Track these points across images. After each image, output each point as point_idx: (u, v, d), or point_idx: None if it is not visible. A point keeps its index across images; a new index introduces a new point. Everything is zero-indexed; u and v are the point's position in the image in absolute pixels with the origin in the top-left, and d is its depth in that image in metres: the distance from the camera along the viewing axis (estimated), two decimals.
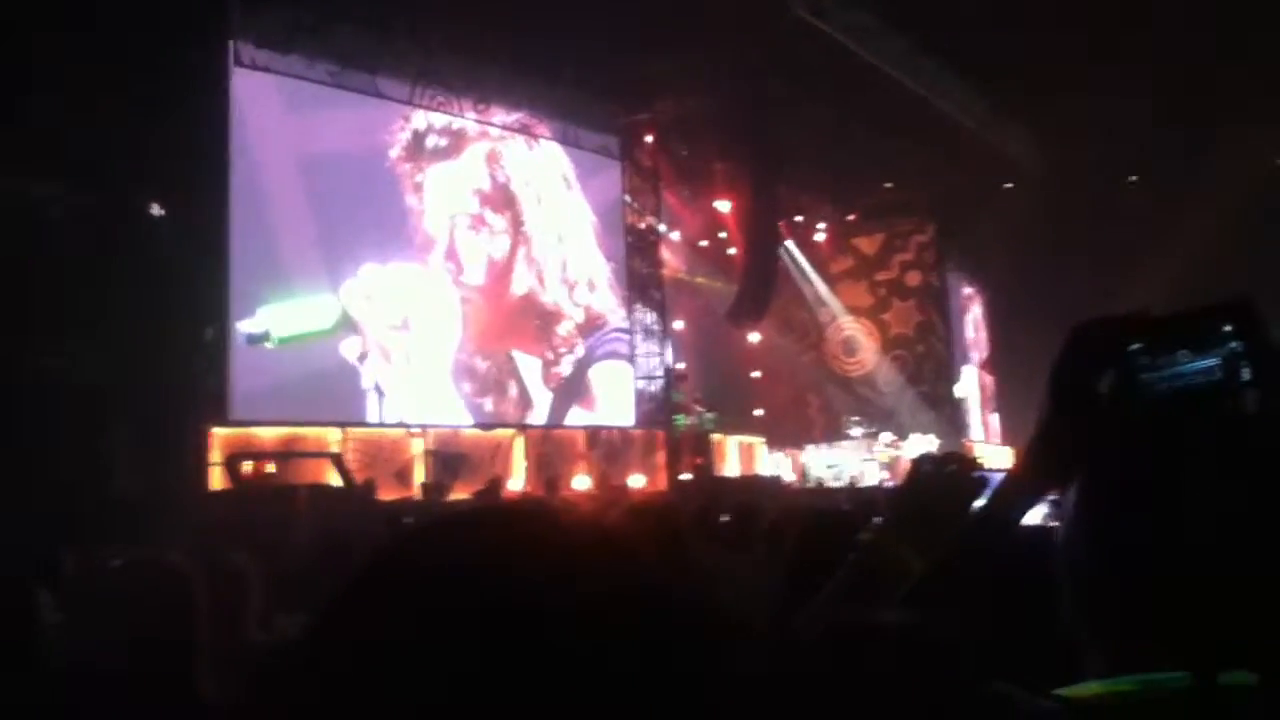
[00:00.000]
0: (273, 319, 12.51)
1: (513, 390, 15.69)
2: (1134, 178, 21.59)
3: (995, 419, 26.03)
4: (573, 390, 16.54)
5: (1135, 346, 1.09)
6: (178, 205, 11.41)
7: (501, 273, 15.84)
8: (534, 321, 16.24)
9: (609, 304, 17.63)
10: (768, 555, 4.09)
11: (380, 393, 13.67)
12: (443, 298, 14.86)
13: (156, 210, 11.34)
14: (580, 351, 16.88)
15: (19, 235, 9.73)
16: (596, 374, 17.08)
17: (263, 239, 12.58)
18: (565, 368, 16.56)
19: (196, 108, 11.45)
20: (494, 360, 15.53)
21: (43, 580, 3.06)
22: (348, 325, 13.50)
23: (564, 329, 16.72)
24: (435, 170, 15.08)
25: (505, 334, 15.80)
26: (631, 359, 17.55)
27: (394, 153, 14.57)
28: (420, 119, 14.97)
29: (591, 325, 17.20)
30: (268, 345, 12.41)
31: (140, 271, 10.31)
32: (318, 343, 13.17)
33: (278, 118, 13.00)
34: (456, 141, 15.48)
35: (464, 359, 15.05)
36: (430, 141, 15.10)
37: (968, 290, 25.75)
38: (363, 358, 13.64)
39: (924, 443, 20.17)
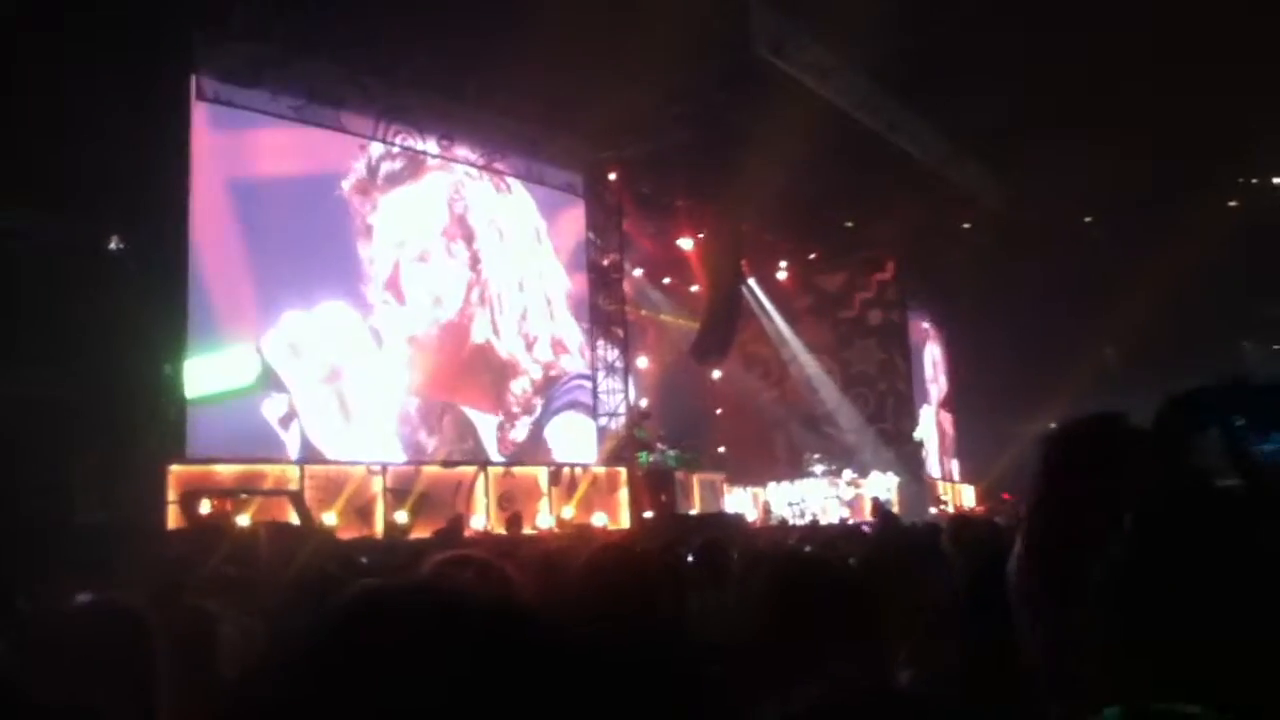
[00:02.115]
0: (185, 375, 11.70)
1: (467, 444, 15.18)
2: (1089, 218, 21.93)
3: (955, 456, 26.21)
4: (528, 454, 15.95)
5: (1239, 421, 1.07)
6: (137, 238, 11.30)
7: (452, 313, 15.21)
8: (486, 375, 15.58)
9: (576, 367, 17.25)
10: (737, 598, 4.05)
11: (304, 457, 12.87)
12: (380, 339, 14.08)
13: (116, 243, 11.23)
14: (537, 412, 16.32)
15: None
16: (554, 428, 16.53)
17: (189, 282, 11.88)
18: (520, 431, 15.94)
19: (156, 141, 11.37)
20: (444, 413, 14.87)
21: None
22: (270, 381, 12.71)
23: (519, 387, 16.08)
24: (388, 198, 14.53)
25: (456, 385, 15.09)
26: (594, 407, 17.26)
27: (346, 184, 14.04)
28: (378, 146, 14.51)
29: (551, 384, 16.69)
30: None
31: (99, 304, 10.18)
32: (235, 402, 12.30)
33: (216, 148, 12.47)
34: (414, 168, 15.00)
35: (411, 408, 14.41)
36: (385, 168, 14.53)
37: (928, 328, 25.99)
38: (286, 421, 12.78)
39: (885, 481, 20.27)
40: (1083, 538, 1.09)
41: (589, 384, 17.32)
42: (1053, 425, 1.24)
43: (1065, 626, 1.11)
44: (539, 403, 16.38)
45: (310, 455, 12.95)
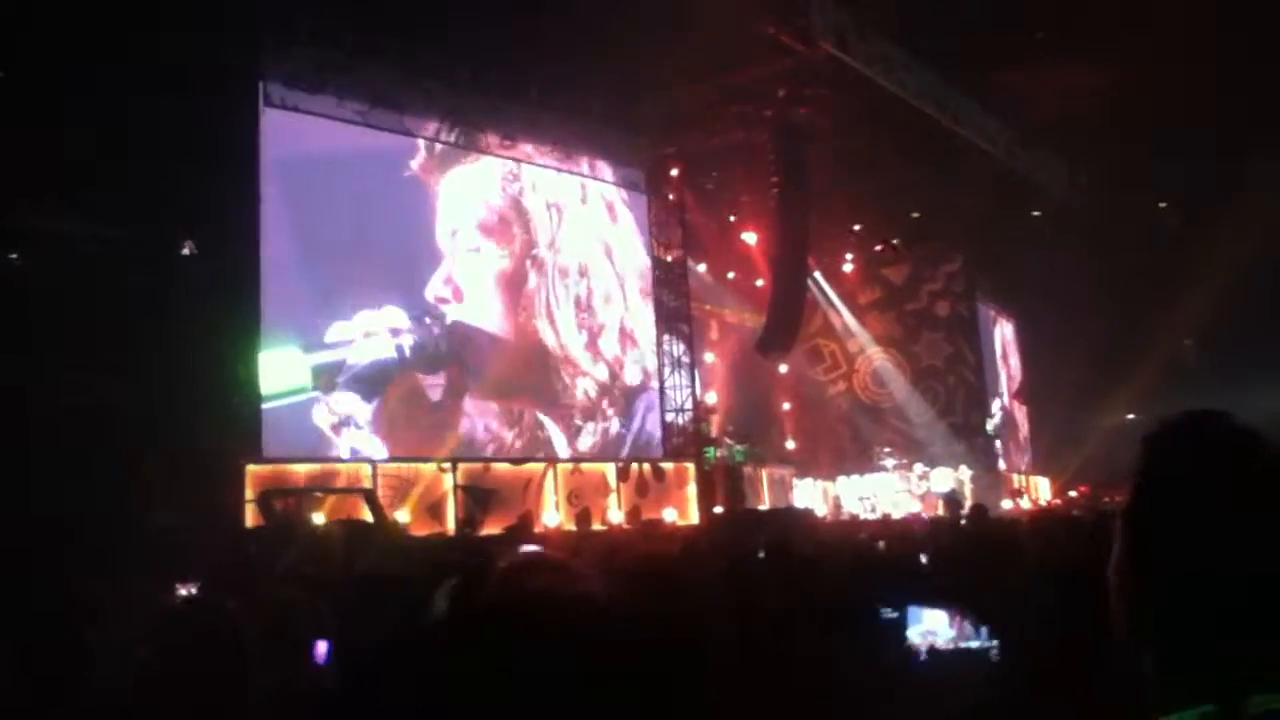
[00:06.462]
0: (258, 374, 11.88)
1: (533, 441, 15.19)
2: (1164, 204, 21.48)
3: (1029, 448, 25.85)
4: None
5: None
6: (210, 242, 11.52)
7: (507, 308, 15.10)
8: (543, 371, 15.49)
9: (644, 363, 17.15)
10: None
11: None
12: (439, 340, 14.11)
13: (189, 247, 11.45)
14: (615, 426, 16.34)
15: (54, 270, 9.86)
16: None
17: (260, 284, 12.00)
18: (587, 439, 15.87)
19: (226, 146, 11.58)
20: (503, 413, 14.85)
21: (85, 615, 3.06)
22: (331, 381, 12.81)
23: (581, 388, 15.98)
24: (446, 180, 14.51)
25: (516, 384, 14.97)
26: (661, 402, 17.19)
27: (412, 164, 14.13)
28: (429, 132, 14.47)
29: (625, 392, 16.61)
30: None
31: (175, 307, 10.41)
32: (292, 401, 12.37)
33: (283, 150, 12.56)
34: (470, 151, 14.92)
35: (472, 410, 14.42)
36: (439, 150, 14.54)
37: (997, 319, 25.63)
38: (338, 427, 12.83)
39: (954, 475, 20.03)
40: (1191, 548, 1.10)
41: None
42: (1155, 421, 1.24)
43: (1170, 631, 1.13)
44: (613, 412, 16.37)
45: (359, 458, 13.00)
